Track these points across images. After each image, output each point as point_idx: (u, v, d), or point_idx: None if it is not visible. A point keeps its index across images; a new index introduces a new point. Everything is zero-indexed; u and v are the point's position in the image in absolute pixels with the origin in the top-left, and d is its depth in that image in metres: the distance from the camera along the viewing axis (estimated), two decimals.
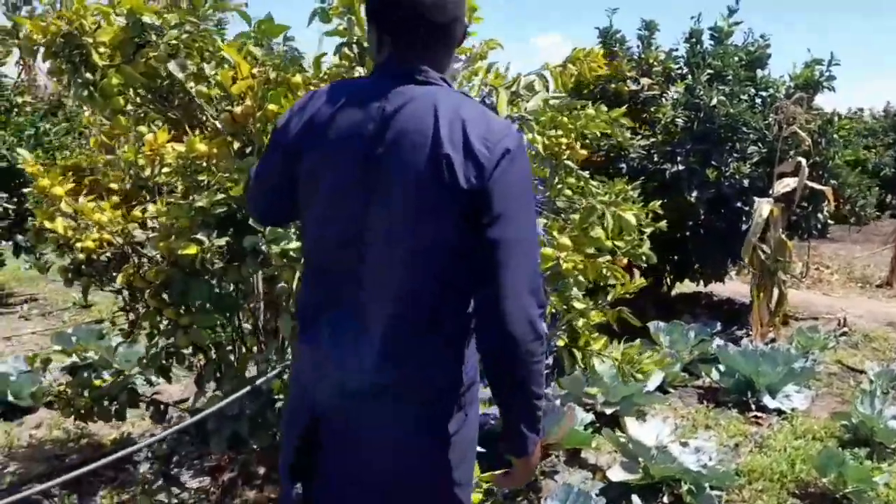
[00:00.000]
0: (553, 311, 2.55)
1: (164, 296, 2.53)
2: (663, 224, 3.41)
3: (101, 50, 2.54)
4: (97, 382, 2.78)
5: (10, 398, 4.14)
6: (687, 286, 7.08)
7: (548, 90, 2.75)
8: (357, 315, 1.46)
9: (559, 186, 3.17)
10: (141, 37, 2.54)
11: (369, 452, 1.49)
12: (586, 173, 3.29)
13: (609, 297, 2.79)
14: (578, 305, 2.87)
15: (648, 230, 3.22)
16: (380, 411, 1.47)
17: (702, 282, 6.49)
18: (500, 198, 1.37)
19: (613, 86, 5.77)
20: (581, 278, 2.44)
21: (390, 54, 1.47)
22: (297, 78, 2.42)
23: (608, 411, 4.03)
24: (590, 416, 3.85)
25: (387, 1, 1.44)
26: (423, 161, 1.37)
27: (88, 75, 2.54)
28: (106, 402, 2.67)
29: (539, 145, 2.56)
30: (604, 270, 2.67)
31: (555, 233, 2.42)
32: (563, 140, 3.08)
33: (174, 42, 2.51)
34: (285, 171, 1.52)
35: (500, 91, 2.59)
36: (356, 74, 2.53)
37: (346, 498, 1.54)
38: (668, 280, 6.74)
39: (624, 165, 5.56)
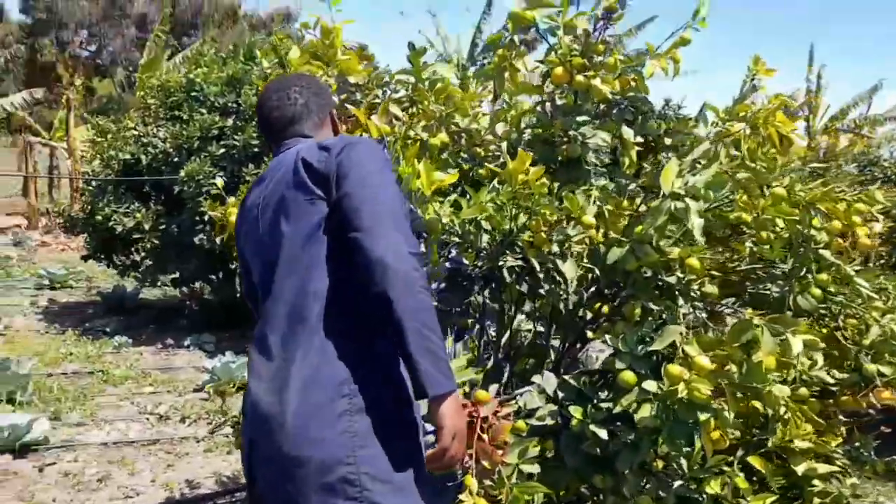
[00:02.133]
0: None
1: None
2: None
3: None
4: None
5: None
6: None
7: (744, 160, 2.14)
8: (269, 330, 1.61)
9: (805, 281, 2.43)
10: (348, 96, 2.69)
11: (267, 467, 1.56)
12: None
13: (772, 442, 2.01)
14: (801, 444, 2.15)
15: None
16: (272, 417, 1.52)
17: None
18: (346, 166, 1.56)
19: None
20: (724, 410, 1.78)
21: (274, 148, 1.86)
22: (436, 140, 2.29)
23: None
24: None
25: (258, 122, 1.91)
26: (288, 176, 1.63)
27: None
28: None
29: (696, 230, 1.97)
30: (781, 410, 1.93)
31: (688, 347, 1.82)
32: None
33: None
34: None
35: (670, 162, 2.09)
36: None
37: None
38: None
39: None
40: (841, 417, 2.52)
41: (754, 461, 1.99)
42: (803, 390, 2.15)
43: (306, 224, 1.57)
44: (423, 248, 1.63)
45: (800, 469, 2.20)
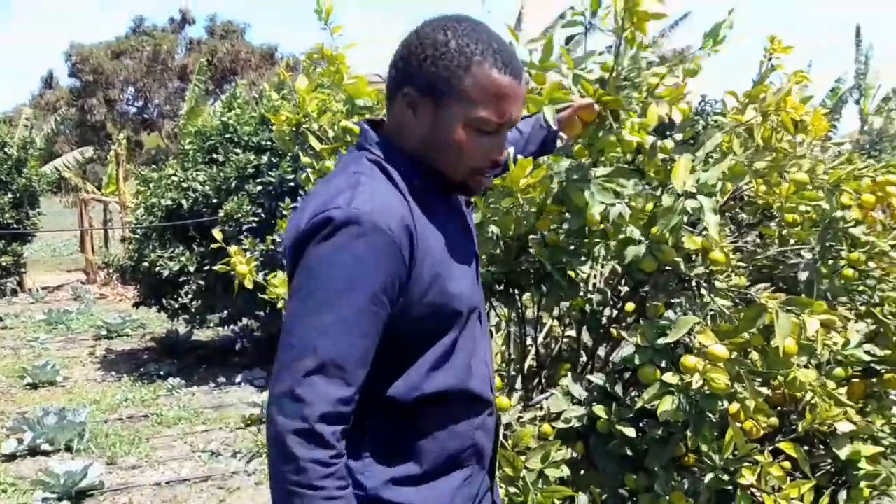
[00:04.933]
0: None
1: None
2: None
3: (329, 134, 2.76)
4: None
5: None
6: None
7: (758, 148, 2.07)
8: None
9: (832, 263, 2.34)
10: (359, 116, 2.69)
11: None
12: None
13: (801, 427, 1.92)
14: (843, 427, 2.05)
15: None
16: None
17: None
18: (298, 271, 1.24)
19: None
20: (745, 399, 1.71)
21: None
22: None
23: None
24: None
25: None
26: None
27: (306, 159, 2.80)
28: None
29: (712, 228, 1.89)
30: (808, 395, 1.84)
31: (701, 336, 1.76)
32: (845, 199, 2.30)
33: None
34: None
35: (681, 158, 2.03)
36: None
37: None
38: None
39: None
40: (893, 397, 2.41)
41: (786, 447, 1.89)
42: (839, 371, 2.05)
43: None
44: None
45: (842, 453, 2.10)
